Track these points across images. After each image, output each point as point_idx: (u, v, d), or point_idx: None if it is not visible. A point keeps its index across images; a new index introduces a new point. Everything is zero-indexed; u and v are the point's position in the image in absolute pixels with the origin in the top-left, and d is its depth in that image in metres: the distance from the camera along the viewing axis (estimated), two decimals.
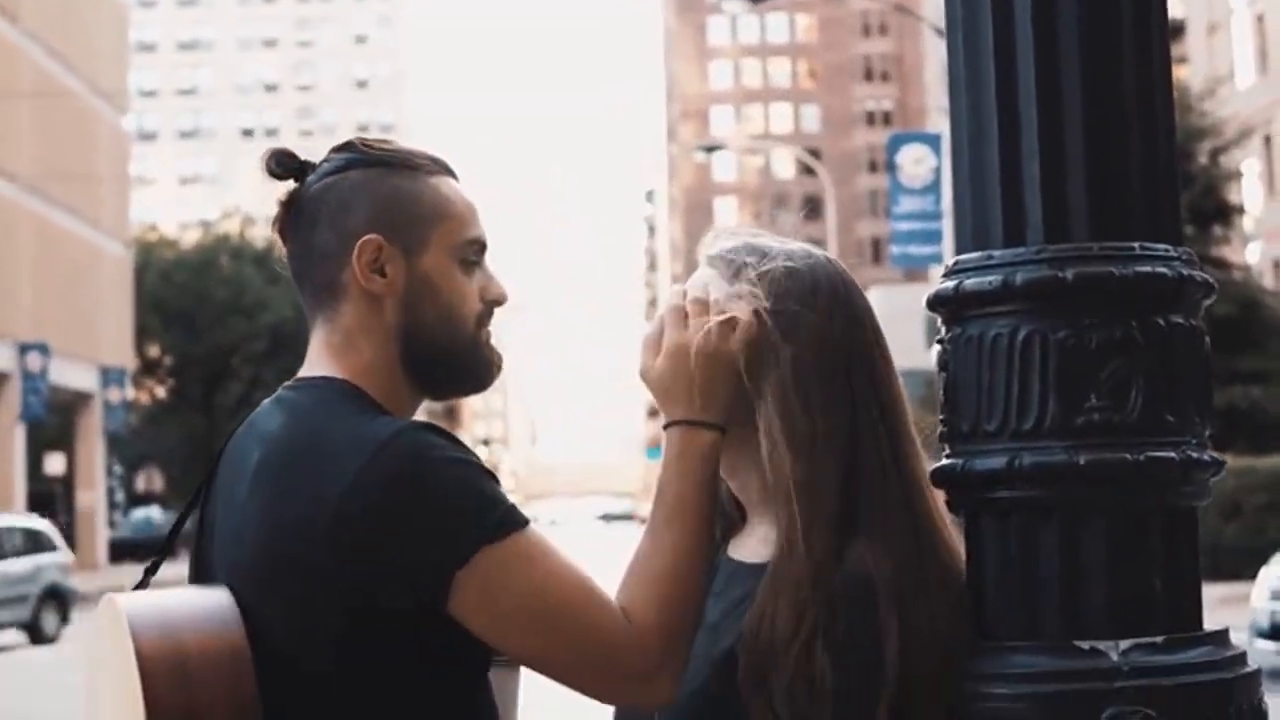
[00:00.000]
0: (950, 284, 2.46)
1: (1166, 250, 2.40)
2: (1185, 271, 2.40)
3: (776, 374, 2.55)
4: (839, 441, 2.53)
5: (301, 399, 2.53)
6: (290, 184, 2.62)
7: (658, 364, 2.56)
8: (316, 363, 2.59)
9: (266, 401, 2.60)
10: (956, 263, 2.48)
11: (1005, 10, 2.43)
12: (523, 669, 2.64)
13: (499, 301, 2.63)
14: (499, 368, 2.66)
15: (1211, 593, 23.48)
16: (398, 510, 2.35)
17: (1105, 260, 2.36)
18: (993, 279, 2.40)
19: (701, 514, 2.49)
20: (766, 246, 2.66)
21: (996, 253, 2.42)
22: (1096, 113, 2.40)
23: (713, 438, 2.53)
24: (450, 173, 2.65)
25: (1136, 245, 2.38)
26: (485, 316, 2.63)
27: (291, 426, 2.48)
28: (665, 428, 2.56)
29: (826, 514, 2.50)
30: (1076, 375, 2.35)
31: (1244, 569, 23.65)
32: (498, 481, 2.44)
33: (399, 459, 2.37)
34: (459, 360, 2.61)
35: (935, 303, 2.50)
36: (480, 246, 2.63)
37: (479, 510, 2.38)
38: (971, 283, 2.43)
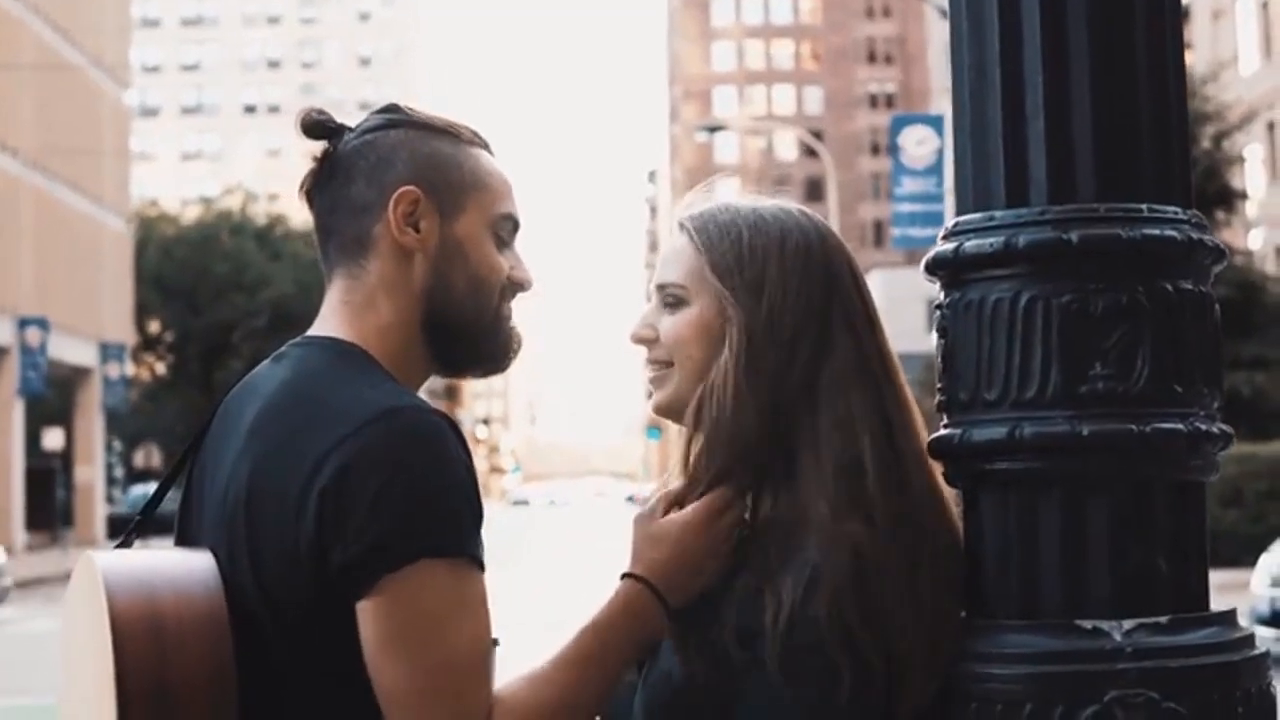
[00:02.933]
0: (950, 246, 2.39)
1: (1176, 213, 2.33)
2: (1195, 235, 2.33)
3: (741, 334, 2.50)
4: (818, 401, 2.48)
5: (305, 357, 2.49)
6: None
7: (666, 527, 2.48)
8: (328, 321, 2.54)
9: (266, 361, 2.55)
10: (956, 224, 2.41)
11: None
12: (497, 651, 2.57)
13: (524, 286, 2.61)
14: (518, 350, 2.62)
15: (1212, 579, 23.58)
16: (363, 487, 2.28)
17: (1111, 222, 2.29)
18: (994, 241, 2.33)
19: (614, 674, 2.42)
20: (738, 207, 2.61)
21: (998, 213, 2.35)
22: (1104, 68, 2.32)
23: (662, 617, 2.45)
24: (490, 149, 2.63)
25: (1144, 207, 2.31)
26: (508, 294, 2.59)
27: (291, 385, 2.43)
28: (630, 576, 2.47)
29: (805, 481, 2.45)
30: (1080, 342, 2.28)
31: (1244, 556, 23.68)
32: (480, 509, 2.36)
33: (390, 435, 2.30)
34: (481, 334, 2.56)
35: (934, 265, 2.43)
36: (514, 225, 2.61)
37: (442, 519, 2.30)
38: (972, 245, 2.36)
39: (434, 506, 2.29)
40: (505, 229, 2.57)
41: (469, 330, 2.54)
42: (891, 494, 2.42)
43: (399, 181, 2.50)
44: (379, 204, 2.50)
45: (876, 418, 2.49)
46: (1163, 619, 2.26)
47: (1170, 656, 2.23)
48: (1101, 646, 2.23)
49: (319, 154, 2.57)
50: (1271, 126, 51.08)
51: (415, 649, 2.26)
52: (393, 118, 2.57)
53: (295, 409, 2.39)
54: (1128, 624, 2.24)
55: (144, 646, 2.24)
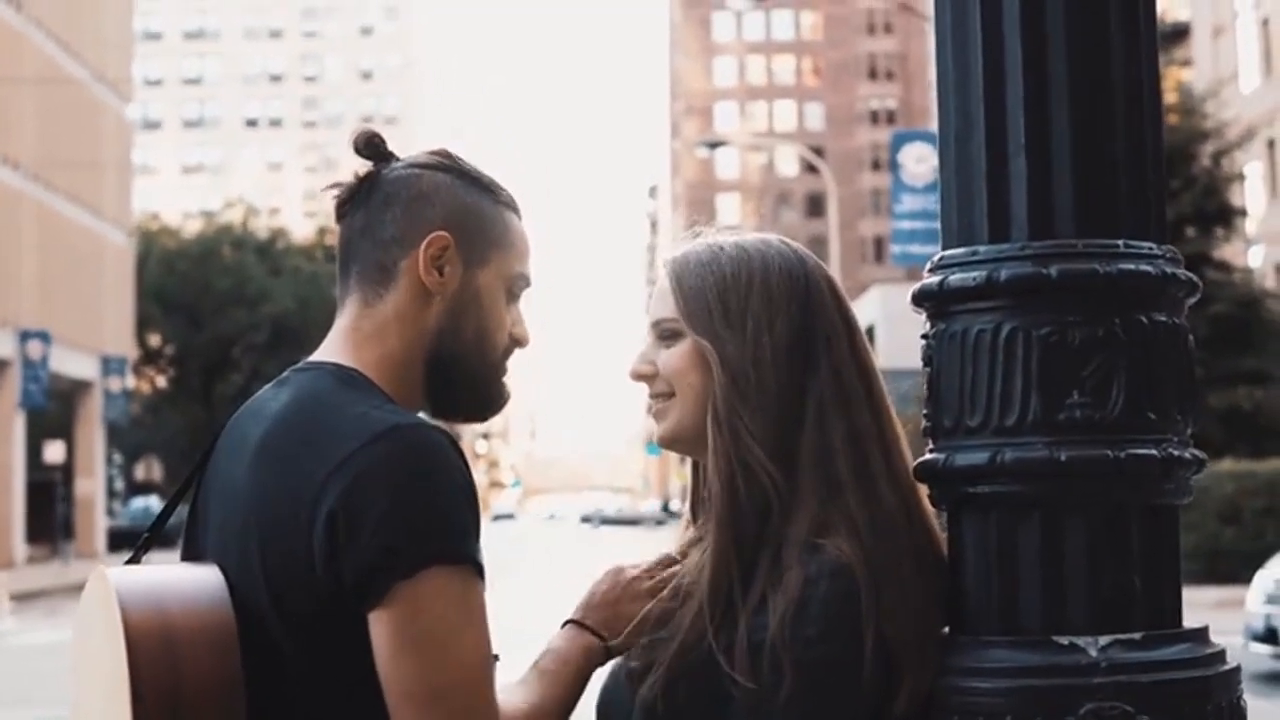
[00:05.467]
0: (935, 279, 2.48)
1: (1151, 248, 2.41)
2: (1169, 270, 2.41)
3: (724, 368, 2.60)
4: (803, 421, 2.58)
5: (309, 381, 2.55)
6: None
7: (622, 587, 2.72)
8: (333, 347, 2.61)
9: (269, 386, 2.63)
10: (941, 258, 2.49)
11: (993, 9, 2.44)
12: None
13: (522, 342, 2.70)
14: (505, 403, 2.71)
15: (1209, 596, 23.56)
16: (374, 499, 2.35)
17: (1089, 257, 2.37)
18: (977, 275, 2.41)
19: (574, 703, 2.65)
20: (720, 243, 2.70)
21: (981, 248, 2.43)
22: (1083, 110, 2.40)
23: (603, 657, 2.69)
24: (520, 214, 2.73)
25: (1121, 243, 2.39)
26: (509, 350, 2.69)
27: (295, 406, 2.50)
28: (577, 624, 2.71)
29: (799, 511, 2.54)
30: (1059, 372, 2.36)
31: (1242, 573, 23.64)
32: (479, 520, 2.45)
33: (398, 450, 2.38)
34: (478, 382, 2.66)
35: (920, 298, 2.51)
36: (526, 283, 2.70)
37: (450, 529, 2.38)
38: (956, 278, 2.44)
39: (442, 516, 2.37)
40: (518, 287, 2.68)
41: (467, 377, 2.63)
42: (874, 511, 2.50)
43: (434, 223, 2.59)
44: (410, 239, 2.59)
45: (860, 438, 2.57)
46: (1136, 635, 2.33)
47: (1143, 671, 2.30)
48: (1078, 661, 2.30)
49: (361, 172, 2.65)
50: (1271, 144, 51.00)
51: (430, 653, 2.33)
52: (442, 161, 2.67)
53: (302, 427, 2.46)
54: (1103, 640, 2.31)
55: (157, 657, 2.32)
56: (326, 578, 2.37)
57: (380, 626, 2.35)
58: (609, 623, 2.68)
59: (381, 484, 2.35)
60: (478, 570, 2.40)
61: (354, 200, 2.65)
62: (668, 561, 2.75)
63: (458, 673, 2.36)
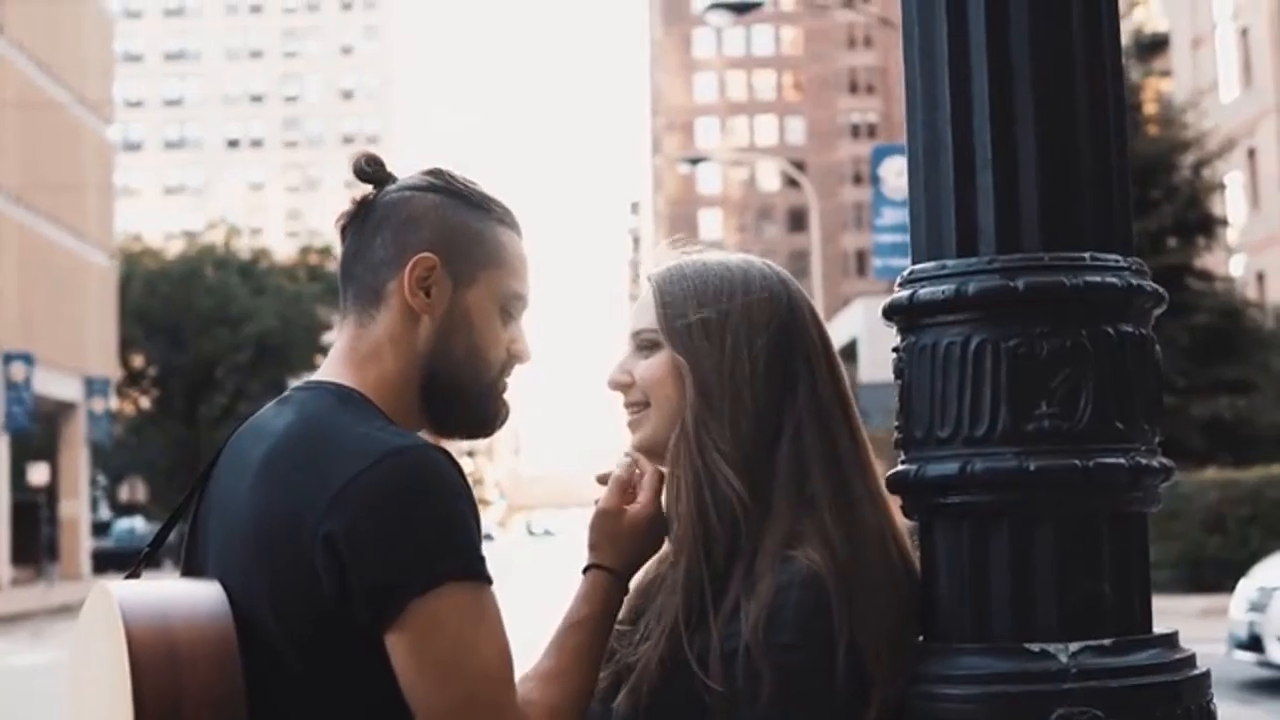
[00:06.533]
0: (905, 293, 2.52)
1: (1117, 260, 2.45)
2: (1135, 281, 2.45)
3: (697, 382, 2.64)
4: (779, 438, 2.62)
5: (313, 400, 2.59)
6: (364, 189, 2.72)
7: (627, 523, 2.72)
8: (334, 366, 2.65)
9: (271, 404, 2.66)
10: (911, 272, 2.53)
11: (960, 27, 2.48)
12: None
13: (521, 359, 2.73)
14: (505, 420, 2.74)
15: (1193, 604, 23.55)
16: (383, 519, 2.38)
17: (1056, 270, 2.41)
18: (946, 288, 2.45)
19: (600, 661, 2.62)
20: (704, 260, 2.75)
21: (950, 262, 2.47)
22: (1048, 125, 2.44)
23: (622, 590, 2.69)
24: (518, 229, 2.75)
25: (1087, 255, 2.43)
26: (507, 367, 2.71)
27: (299, 424, 2.54)
28: (603, 569, 2.68)
29: (773, 517, 2.58)
30: (1027, 383, 2.40)
31: (1227, 581, 23.59)
32: (480, 532, 2.48)
33: (402, 471, 2.41)
34: (474, 401, 2.68)
35: (890, 311, 2.55)
36: (522, 303, 2.72)
37: (459, 546, 2.42)
38: (925, 292, 2.48)
39: (449, 533, 2.41)
40: (514, 306, 2.70)
41: (461, 396, 2.65)
42: (847, 525, 2.54)
43: (420, 245, 2.62)
44: (397, 262, 2.62)
45: (840, 459, 2.62)
46: (1106, 641, 2.36)
47: (1113, 677, 2.34)
48: (1048, 668, 2.34)
49: (359, 196, 2.70)
50: (1252, 153, 51.11)
51: (450, 669, 2.38)
52: (434, 182, 2.70)
53: (306, 446, 2.49)
54: (1073, 646, 2.35)
55: (160, 670, 2.35)
56: (330, 595, 2.40)
57: (400, 646, 2.39)
58: (620, 555, 2.70)
59: (388, 505, 2.39)
60: (488, 581, 2.44)
61: (353, 222, 2.70)
62: (629, 474, 2.77)
63: (480, 685, 2.40)
